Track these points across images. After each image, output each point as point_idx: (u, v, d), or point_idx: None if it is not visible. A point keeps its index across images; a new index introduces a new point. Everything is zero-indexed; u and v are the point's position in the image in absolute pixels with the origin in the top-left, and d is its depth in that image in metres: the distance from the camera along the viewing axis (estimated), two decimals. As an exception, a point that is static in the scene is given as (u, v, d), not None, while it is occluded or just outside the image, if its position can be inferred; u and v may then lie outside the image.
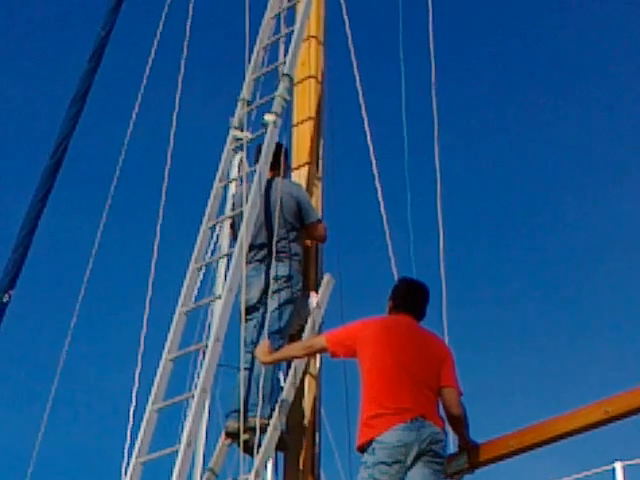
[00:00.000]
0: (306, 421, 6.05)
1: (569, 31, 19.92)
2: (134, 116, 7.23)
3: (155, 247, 6.46)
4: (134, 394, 5.93)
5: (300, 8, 6.94)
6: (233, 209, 6.40)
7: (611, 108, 20.11)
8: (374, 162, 6.85)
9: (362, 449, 5.02)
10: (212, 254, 7.27)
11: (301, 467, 5.94)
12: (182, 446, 5.16)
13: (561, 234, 19.86)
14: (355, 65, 7.12)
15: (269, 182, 6.26)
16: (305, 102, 6.98)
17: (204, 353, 5.57)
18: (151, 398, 5.54)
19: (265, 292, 5.99)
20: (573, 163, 20.11)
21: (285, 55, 6.71)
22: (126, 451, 5.55)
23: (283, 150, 6.49)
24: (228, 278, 5.76)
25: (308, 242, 6.50)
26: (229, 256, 5.98)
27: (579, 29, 20.07)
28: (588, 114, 20.35)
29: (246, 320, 5.92)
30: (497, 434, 5.32)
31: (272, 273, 6.01)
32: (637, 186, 19.03)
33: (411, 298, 5.51)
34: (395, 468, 4.86)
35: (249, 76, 6.68)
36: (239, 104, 6.58)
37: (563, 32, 19.93)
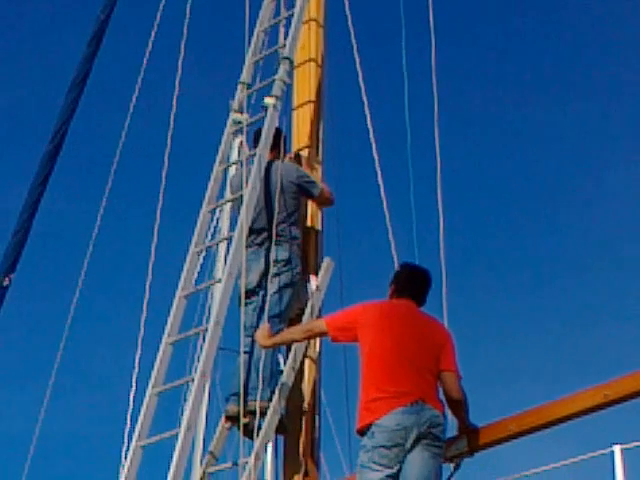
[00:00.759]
0: (306, 404, 6.06)
1: (572, 15, 19.84)
2: (134, 99, 7.23)
3: (155, 231, 6.45)
4: (134, 378, 5.93)
5: (300, -9, 6.91)
6: (231, 192, 6.39)
7: (614, 95, 20.05)
8: (374, 145, 6.84)
9: (362, 432, 5.02)
10: (212, 237, 7.27)
11: (301, 450, 5.95)
12: (182, 429, 5.17)
13: (563, 220, 19.85)
14: (355, 48, 7.10)
15: (268, 165, 6.25)
16: (305, 85, 6.96)
17: (204, 337, 5.57)
18: (151, 382, 5.55)
19: (265, 276, 6.00)
20: (575, 150, 20.06)
21: (285, 38, 6.68)
22: (126, 435, 5.57)
23: (282, 134, 6.48)
24: (228, 262, 5.76)
25: (308, 225, 6.50)
26: (229, 239, 5.97)
27: (582, 13, 20.00)
28: (591, 101, 20.31)
29: (246, 304, 5.93)
30: (497, 418, 5.33)
31: (272, 257, 6.01)
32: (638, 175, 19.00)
33: (413, 283, 5.50)
34: (395, 451, 4.86)
35: (249, 59, 6.66)
36: (239, 87, 6.57)
37: (565, 16, 19.86)
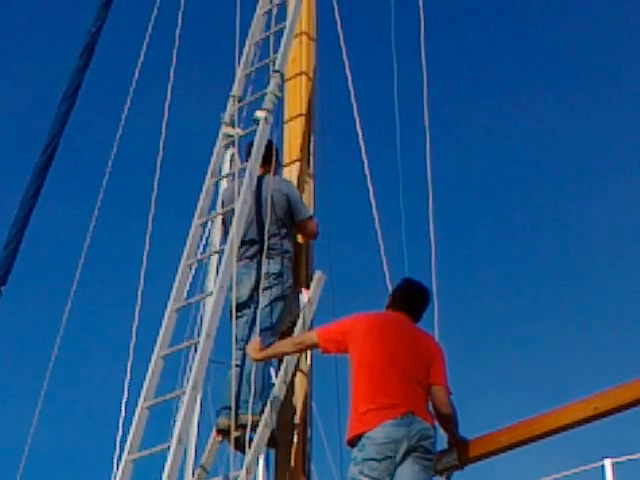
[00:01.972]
0: (297, 417, 6.06)
1: (562, 18, 19.89)
2: (126, 111, 7.24)
3: (146, 244, 6.45)
4: (125, 392, 5.92)
5: (291, 4, 6.94)
6: (222, 205, 6.40)
7: (609, 97, 20.09)
8: (365, 159, 6.85)
9: (352, 443, 5.02)
10: (204, 250, 7.26)
11: (292, 464, 5.94)
12: (173, 443, 5.16)
13: (556, 230, 19.89)
14: (347, 65, 7.11)
15: (260, 179, 6.26)
16: (296, 98, 6.97)
17: (195, 350, 5.57)
18: (142, 395, 5.54)
19: (256, 289, 5.99)
20: (569, 159, 20.10)
21: (276, 51, 6.70)
22: (117, 448, 5.55)
23: (274, 148, 6.49)
24: (219, 275, 5.76)
25: (299, 239, 6.50)
26: (221, 253, 5.98)
27: (573, 14, 20.06)
28: (584, 106, 20.36)
29: (237, 317, 5.93)
30: (487, 430, 5.33)
31: (263, 270, 6.02)
32: (630, 183, 19.05)
33: (410, 299, 5.52)
34: (385, 464, 4.86)
35: (240, 72, 6.68)
36: (230, 100, 6.58)
37: (555, 20, 19.93)
